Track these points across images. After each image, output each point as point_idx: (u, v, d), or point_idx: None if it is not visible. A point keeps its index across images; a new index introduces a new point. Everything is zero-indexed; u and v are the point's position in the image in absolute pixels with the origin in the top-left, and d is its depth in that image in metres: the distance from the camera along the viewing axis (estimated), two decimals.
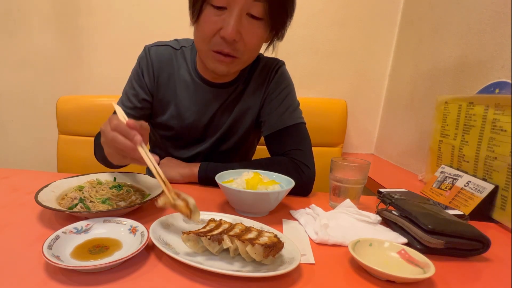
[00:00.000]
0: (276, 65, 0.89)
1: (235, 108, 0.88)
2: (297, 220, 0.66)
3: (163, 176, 0.57)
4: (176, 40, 0.91)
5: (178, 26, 1.52)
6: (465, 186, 0.81)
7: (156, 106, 0.90)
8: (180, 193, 0.56)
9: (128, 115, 0.87)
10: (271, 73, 0.88)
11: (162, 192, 0.58)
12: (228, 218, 0.59)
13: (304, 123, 0.88)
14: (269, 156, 0.89)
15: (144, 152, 0.56)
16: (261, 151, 0.98)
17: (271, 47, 0.84)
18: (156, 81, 0.87)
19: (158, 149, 1.00)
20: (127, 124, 0.55)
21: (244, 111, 0.89)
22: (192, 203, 0.54)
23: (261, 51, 0.86)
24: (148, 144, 1.07)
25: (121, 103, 0.90)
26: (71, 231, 0.51)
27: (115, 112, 0.76)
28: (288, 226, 0.63)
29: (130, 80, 0.90)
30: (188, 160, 0.92)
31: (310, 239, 0.58)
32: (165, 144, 0.95)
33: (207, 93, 0.87)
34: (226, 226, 0.53)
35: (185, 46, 0.89)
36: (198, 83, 0.87)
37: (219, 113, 0.88)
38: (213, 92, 0.87)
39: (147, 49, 0.88)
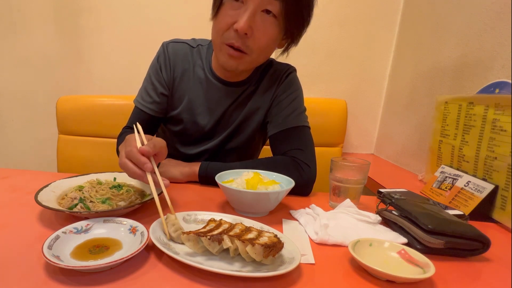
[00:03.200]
0: (288, 70, 0.92)
1: (245, 108, 0.90)
2: (297, 220, 0.66)
3: (169, 203, 0.58)
4: (193, 39, 0.94)
5: (179, 26, 1.53)
6: (465, 186, 0.81)
7: (170, 100, 0.92)
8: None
9: (148, 109, 0.90)
10: (281, 77, 0.90)
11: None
12: (228, 218, 0.59)
13: (309, 127, 0.89)
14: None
15: (153, 178, 0.59)
16: (266, 152, 0.99)
17: (285, 54, 0.86)
18: (174, 76, 0.90)
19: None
20: (140, 151, 0.59)
21: (253, 111, 0.90)
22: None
23: (274, 56, 0.89)
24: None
25: (140, 98, 0.92)
26: (71, 231, 0.51)
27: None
28: (288, 226, 0.63)
29: (148, 75, 0.92)
30: (195, 156, 0.93)
31: (310, 239, 0.58)
32: (173, 139, 0.96)
33: (219, 91, 0.88)
34: (226, 226, 0.53)
35: (202, 45, 0.92)
36: (211, 81, 0.88)
37: (229, 111, 0.90)
38: (225, 90, 0.88)
39: (165, 45, 0.90)
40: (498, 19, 0.89)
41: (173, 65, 0.89)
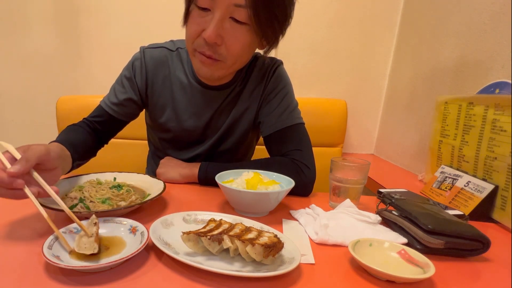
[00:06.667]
0: (274, 65, 0.88)
1: (233, 110, 0.88)
2: (297, 220, 0.66)
3: (67, 211, 0.52)
4: (171, 41, 0.90)
5: (178, 26, 1.53)
6: (465, 186, 0.81)
7: (152, 109, 0.89)
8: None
9: (110, 110, 0.87)
10: (268, 74, 0.87)
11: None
12: (228, 218, 0.59)
13: (303, 123, 0.87)
14: (269, 156, 0.89)
15: (33, 193, 0.51)
16: (261, 151, 0.98)
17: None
18: (151, 84, 0.86)
19: (158, 151, 1.00)
20: (9, 175, 0.50)
21: (242, 112, 0.88)
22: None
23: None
24: (149, 146, 1.07)
25: (107, 97, 0.89)
26: (71, 231, 0.51)
27: None
28: (288, 226, 0.63)
29: (120, 77, 0.89)
30: (189, 161, 0.92)
31: (310, 239, 0.58)
32: (165, 146, 0.95)
33: (204, 96, 0.86)
34: (226, 226, 0.53)
35: (181, 48, 0.88)
36: (194, 86, 0.85)
37: (217, 115, 0.88)
38: (210, 94, 0.85)
39: (142, 51, 0.87)
40: (498, 19, 0.89)
41: (151, 74, 0.86)
